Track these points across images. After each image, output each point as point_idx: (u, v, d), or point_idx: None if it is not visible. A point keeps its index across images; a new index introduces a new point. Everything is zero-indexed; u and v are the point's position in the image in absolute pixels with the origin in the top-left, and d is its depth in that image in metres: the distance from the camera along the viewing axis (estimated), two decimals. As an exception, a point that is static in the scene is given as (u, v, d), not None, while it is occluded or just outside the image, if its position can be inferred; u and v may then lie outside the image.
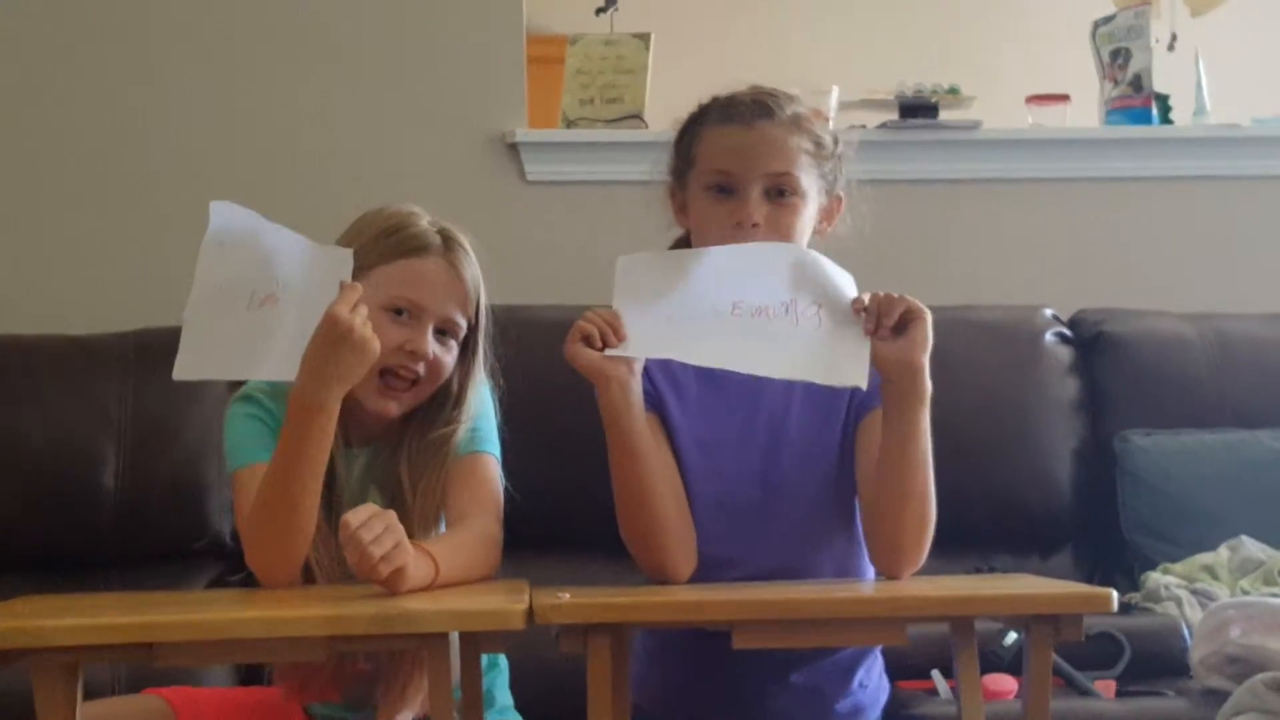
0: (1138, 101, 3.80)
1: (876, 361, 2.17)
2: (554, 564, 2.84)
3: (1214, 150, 3.80)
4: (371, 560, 1.97)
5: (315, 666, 2.18)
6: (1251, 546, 3.05)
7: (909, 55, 5.87)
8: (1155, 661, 2.75)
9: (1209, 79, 3.94)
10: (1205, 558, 3.06)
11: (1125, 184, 3.77)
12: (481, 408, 2.36)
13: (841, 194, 2.41)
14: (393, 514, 2.02)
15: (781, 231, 2.30)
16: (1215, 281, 3.72)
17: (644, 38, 3.72)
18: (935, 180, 3.72)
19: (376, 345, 2.13)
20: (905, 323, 2.16)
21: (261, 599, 2.14)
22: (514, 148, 3.55)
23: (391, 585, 2.00)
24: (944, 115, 3.82)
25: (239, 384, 2.37)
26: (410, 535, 2.05)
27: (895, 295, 2.17)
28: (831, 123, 3.41)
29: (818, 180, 2.35)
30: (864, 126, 3.69)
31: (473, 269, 2.33)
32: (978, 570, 2.98)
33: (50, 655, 1.84)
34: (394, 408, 2.30)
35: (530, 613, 1.88)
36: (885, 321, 2.15)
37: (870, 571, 2.33)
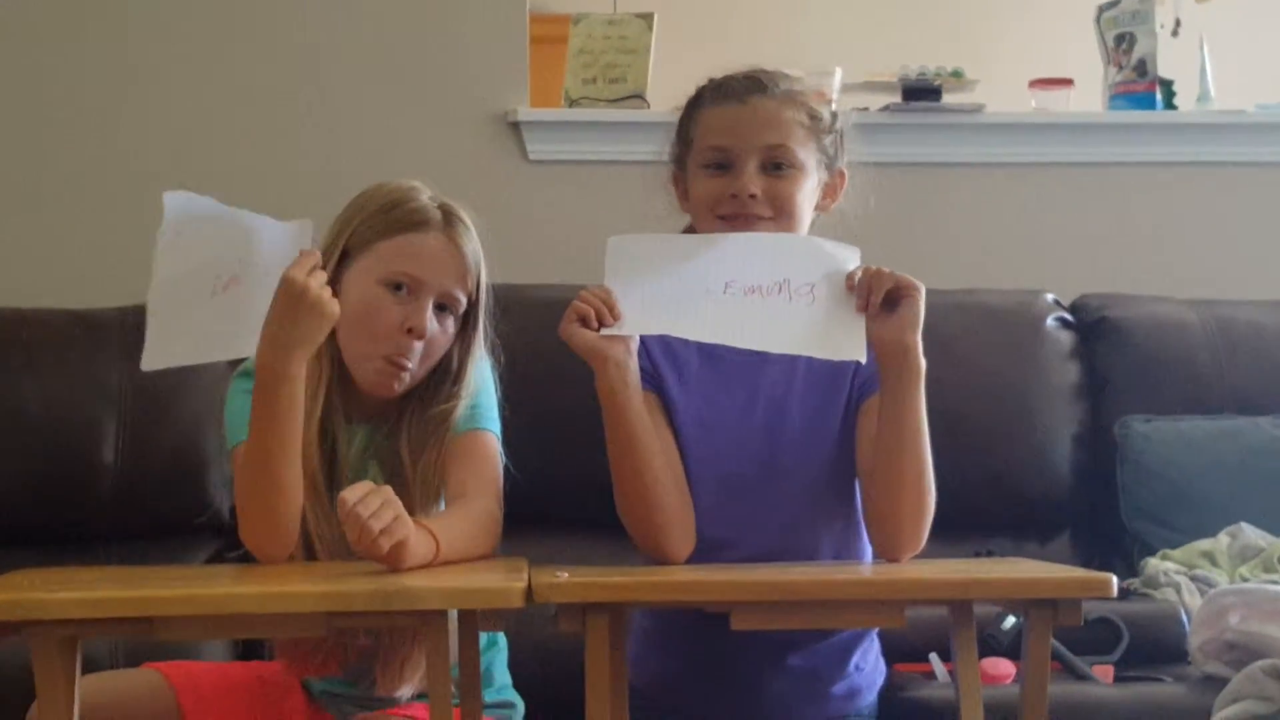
0: (1141, 86, 3.80)
1: (869, 341, 2.17)
2: (553, 543, 2.83)
3: (1218, 136, 3.79)
4: (371, 535, 1.96)
5: (316, 641, 2.18)
6: (1251, 533, 3.05)
7: (912, 38, 5.87)
8: (1154, 647, 2.75)
9: (1213, 64, 3.93)
10: (1205, 544, 3.06)
11: (1128, 169, 3.77)
12: (482, 384, 2.35)
13: (844, 170, 2.41)
14: (389, 489, 2.02)
15: (780, 203, 2.29)
16: (1217, 267, 3.72)
17: (647, 18, 3.71)
18: (938, 164, 3.72)
19: (335, 307, 2.13)
20: (896, 299, 2.16)
21: (260, 574, 2.14)
22: (516, 127, 3.54)
23: (393, 561, 2.00)
24: (947, 98, 3.81)
25: (239, 360, 2.36)
26: (410, 512, 2.04)
27: (886, 271, 2.17)
28: (835, 104, 3.41)
29: (816, 153, 2.34)
30: (867, 109, 3.69)
31: (473, 244, 2.32)
32: (976, 554, 2.97)
33: (49, 628, 1.84)
34: (395, 386, 2.29)
35: (529, 591, 1.88)
36: (874, 297, 2.15)
37: (869, 554, 2.33)
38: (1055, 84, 3.91)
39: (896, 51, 4.94)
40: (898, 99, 3.76)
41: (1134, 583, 3.01)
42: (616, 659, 1.94)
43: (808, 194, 2.32)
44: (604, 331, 2.14)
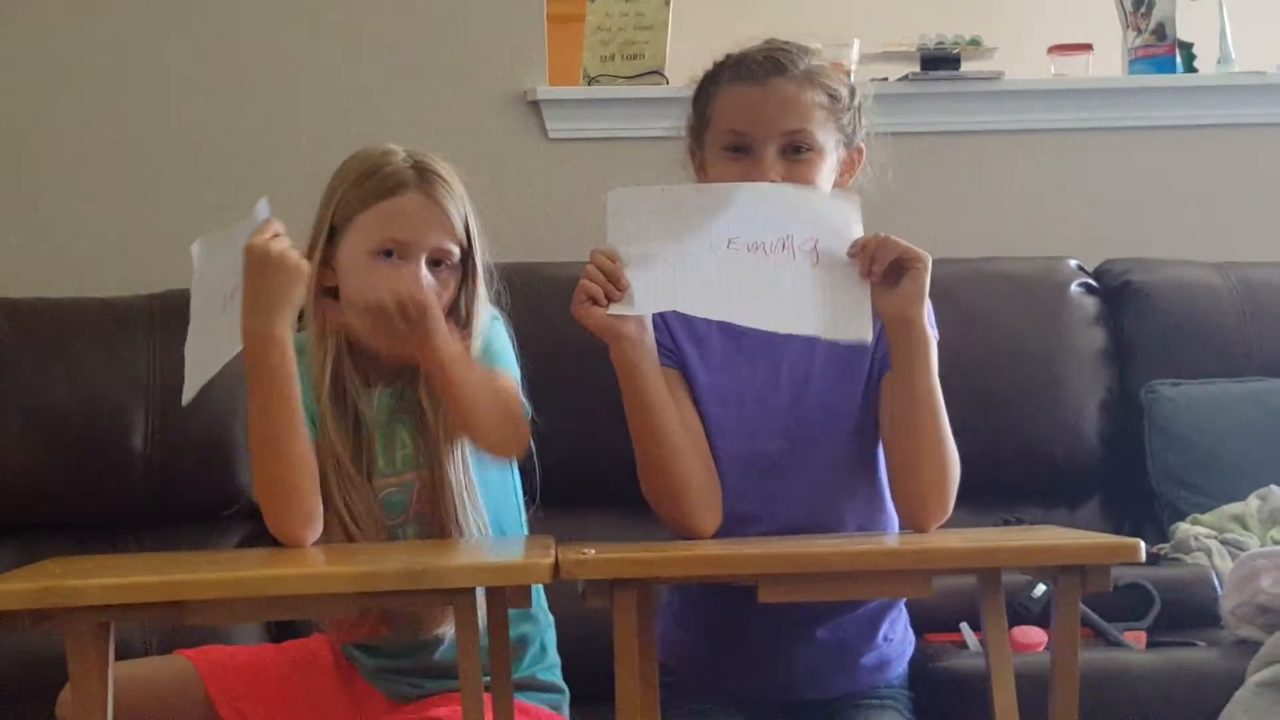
0: (1161, 50, 3.78)
1: (875, 313, 2.17)
2: (581, 522, 2.84)
3: (1238, 98, 3.77)
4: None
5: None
6: (1281, 496, 3.04)
7: (930, 6, 5.82)
8: (1186, 612, 2.75)
9: (1233, 27, 3.91)
10: (1234, 508, 3.06)
11: (1149, 133, 3.76)
12: (494, 334, 2.36)
13: (862, 145, 2.40)
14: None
15: None
16: (1241, 230, 3.71)
17: (664, -8, 3.71)
18: (958, 132, 3.71)
19: (300, 261, 2.14)
20: (900, 272, 2.15)
21: (290, 557, 2.14)
22: (535, 105, 3.54)
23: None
24: (966, 67, 3.80)
25: None
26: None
27: (890, 240, 2.16)
28: (853, 75, 3.40)
29: (835, 134, 2.33)
30: (886, 79, 3.67)
31: (453, 196, 2.32)
32: (1005, 522, 2.97)
33: (82, 615, 1.85)
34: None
35: (556, 567, 1.88)
36: (876, 268, 2.14)
37: (895, 524, 2.33)
38: (1074, 49, 3.90)
39: (914, 21, 4.89)
40: (916, 68, 3.75)
41: (1164, 548, 3.00)
42: (645, 635, 1.94)
43: (826, 175, 2.32)
44: (612, 309, 2.14)
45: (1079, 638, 2.02)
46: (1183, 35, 3.81)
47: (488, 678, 2.01)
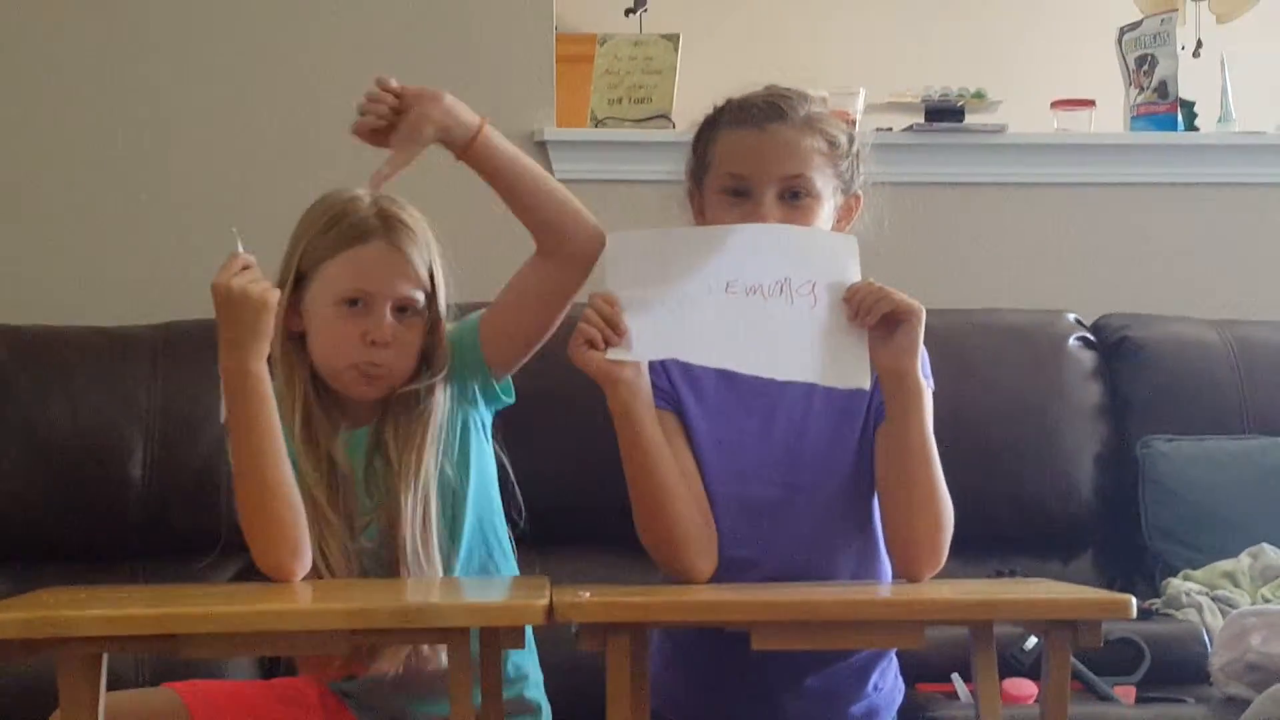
0: (1163, 107, 3.81)
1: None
2: (576, 562, 2.85)
3: (1238, 157, 3.80)
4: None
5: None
6: (1273, 554, 3.04)
7: (935, 58, 5.87)
8: (1175, 668, 2.76)
9: (1234, 86, 3.94)
10: (1226, 564, 3.06)
11: (1149, 189, 3.78)
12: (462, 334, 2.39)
13: (859, 193, 2.41)
14: None
15: None
16: (1239, 288, 3.72)
17: (672, 39, 3.73)
18: (960, 184, 3.73)
19: (266, 293, 2.15)
20: (894, 323, 2.17)
21: (284, 592, 2.15)
22: (542, 145, 3.56)
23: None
24: (969, 119, 3.83)
25: None
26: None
27: (882, 291, 2.17)
28: (858, 124, 3.42)
29: (833, 180, 2.34)
30: (890, 129, 3.70)
31: (417, 243, 2.34)
32: (999, 573, 2.98)
33: (75, 645, 1.86)
34: (373, 392, 2.32)
35: (550, 609, 1.89)
36: (869, 320, 2.16)
37: (889, 572, 2.33)
38: (1077, 105, 3.92)
39: (919, 72, 4.94)
40: (921, 119, 3.77)
41: (1156, 603, 3.01)
42: (638, 679, 1.95)
43: (824, 221, 2.32)
44: (611, 354, 2.15)
45: (1069, 691, 2.02)
46: (1185, 93, 3.84)
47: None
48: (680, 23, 3.94)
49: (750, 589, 2.15)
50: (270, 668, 2.83)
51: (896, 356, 2.17)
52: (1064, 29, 5.99)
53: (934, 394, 2.25)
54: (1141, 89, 3.85)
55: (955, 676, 2.68)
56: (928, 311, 2.18)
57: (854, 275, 2.21)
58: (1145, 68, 3.84)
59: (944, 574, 2.26)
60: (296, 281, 2.33)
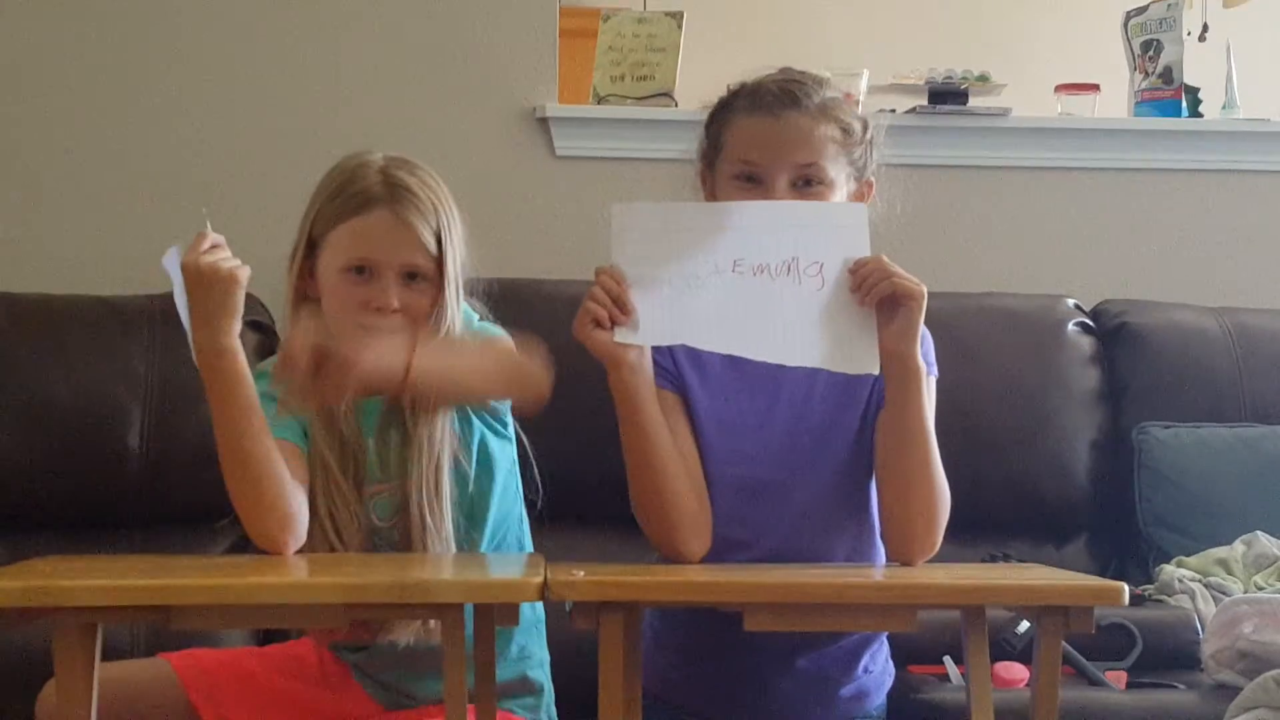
0: (1167, 93, 3.80)
1: None
2: (573, 540, 2.85)
3: (1242, 144, 3.79)
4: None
5: None
6: (1266, 542, 3.05)
7: (940, 41, 5.86)
8: (1167, 654, 2.76)
9: (1239, 72, 3.93)
10: (1220, 552, 3.07)
11: (1152, 175, 3.77)
12: (475, 326, 2.38)
13: (872, 179, 2.41)
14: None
15: None
16: (1239, 275, 3.72)
17: (676, 16, 3.72)
18: (963, 166, 3.72)
19: (234, 270, 2.15)
20: (895, 305, 2.16)
21: (280, 565, 2.15)
22: (544, 122, 3.55)
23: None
24: (973, 102, 3.81)
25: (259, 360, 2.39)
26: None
27: (887, 270, 2.16)
28: (861, 106, 3.41)
29: (846, 167, 2.34)
30: (893, 111, 3.68)
31: (425, 210, 2.32)
32: (993, 558, 2.98)
33: (70, 615, 1.86)
34: None
35: (545, 587, 1.90)
36: (868, 300, 2.15)
37: (883, 558, 2.34)
38: (1082, 89, 3.92)
39: (923, 54, 4.94)
40: (924, 102, 3.76)
41: (1149, 589, 3.01)
42: (631, 657, 1.95)
43: None
44: (618, 337, 2.15)
45: (1060, 676, 2.03)
46: (1189, 79, 3.83)
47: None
48: (684, 0, 3.93)
49: (744, 570, 2.15)
50: (266, 637, 2.84)
51: (895, 339, 2.17)
52: (1069, 12, 5.98)
53: (936, 382, 2.25)
54: (1146, 74, 3.84)
55: (947, 659, 2.69)
56: (928, 295, 2.18)
57: (863, 248, 2.20)
58: (1150, 53, 3.83)
59: (938, 557, 2.27)
60: (310, 247, 2.34)
